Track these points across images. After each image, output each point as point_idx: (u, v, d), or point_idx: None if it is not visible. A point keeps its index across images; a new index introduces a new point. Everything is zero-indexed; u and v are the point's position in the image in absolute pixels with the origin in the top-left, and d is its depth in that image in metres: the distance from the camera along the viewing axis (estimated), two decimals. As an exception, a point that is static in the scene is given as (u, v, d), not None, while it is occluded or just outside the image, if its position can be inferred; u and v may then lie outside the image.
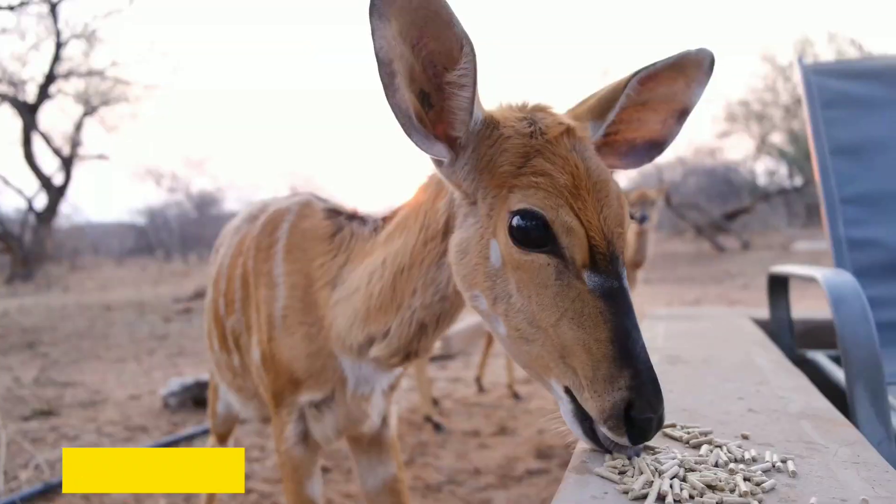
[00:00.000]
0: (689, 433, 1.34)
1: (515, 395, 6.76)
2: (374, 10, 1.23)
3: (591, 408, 1.19)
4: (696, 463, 1.18)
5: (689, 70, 1.53)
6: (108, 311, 14.75)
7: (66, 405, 7.02)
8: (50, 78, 21.51)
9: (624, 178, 29.45)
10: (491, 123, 1.41)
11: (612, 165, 1.60)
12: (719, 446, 1.26)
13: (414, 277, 1.68)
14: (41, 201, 23.83)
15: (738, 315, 3.63)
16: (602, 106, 1.54)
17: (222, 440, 3.38)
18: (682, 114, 1.60)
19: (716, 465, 1.18)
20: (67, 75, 22.25)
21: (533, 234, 1.26)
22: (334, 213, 2.08)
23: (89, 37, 21.70)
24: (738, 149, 38.34)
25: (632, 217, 1.44)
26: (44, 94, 21.76)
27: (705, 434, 1.34)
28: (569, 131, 1.37)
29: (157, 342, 10.92)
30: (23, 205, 24.20)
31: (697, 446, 1.28)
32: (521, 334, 1.31)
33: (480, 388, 7.11)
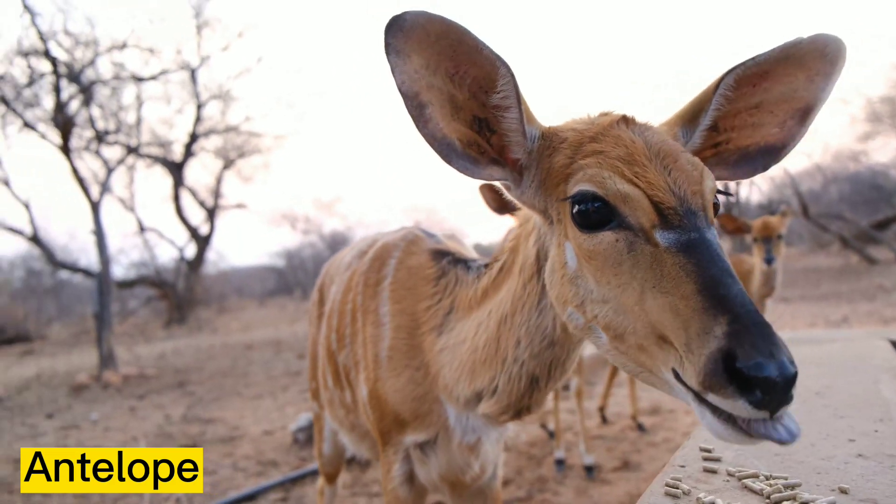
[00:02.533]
0: (771, 485, 1.20)
1: (640, 427, 6.45)
2: (390, 49, 1.24)
3: (690, 377, 0.99)
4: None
5: (810, 61, 1.35)
6: (248, 350, 15.66)
7: (207, 440, 7.49)
8: (193, 137, 23.48)
9: (753, 189, 27.77)
10: (549, 135, 1.39)
11: (719, 178, 1.46)
12: (804, 503, 1.11)
13: (516, 325, 1.62)
14: (190, 250, 25.93)
15: (876, 337, 3.26)
16: (693, 110, 1.44)
17: (331, 480, 3.44)
18: (806, 113, 1.42)
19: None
20: (207, 133, 24.19)
21: (593, 213, 1.21)
22: (439, 254, 2.08)
23: (224, 96, 23.53)
24: (885, 150, 35.01)
25: (726, 193, 1.30)
26: (188, 152, 23.76)
27: (791, 487, 1.19)
28: (625, 119, 1.33)
29: (291, 379, 11.43)
30: (175, 255, 26.40)
31: (779, 501, 1.14)
32: (614, 331, 1.20)
33: (604, 420, 6.85)
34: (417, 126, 1.31)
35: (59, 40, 15.66)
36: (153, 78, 18.79)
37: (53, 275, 27.97)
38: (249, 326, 23.04)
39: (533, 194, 1.41)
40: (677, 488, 1.19)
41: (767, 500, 1.16)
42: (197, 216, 26.02)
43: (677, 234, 1.12)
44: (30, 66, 15.53)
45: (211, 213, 25.88)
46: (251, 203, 36.83)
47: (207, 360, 14.56)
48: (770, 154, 1.46)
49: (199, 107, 23.04)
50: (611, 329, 1.21)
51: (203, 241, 25.81)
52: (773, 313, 13.23)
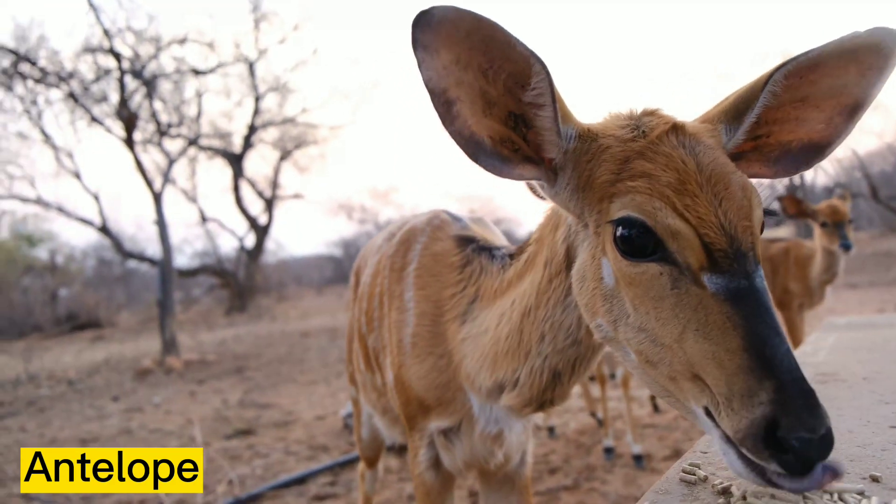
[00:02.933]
0: (795, 472, 1.11)
1: (693, 417, 6.26)
2: (418, 44, 1.20)
3: (727, 426, 1.02)
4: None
5: (864, 56, 1.27)
6: (304, 337, 15.97)
7: (262, 425, 7.67)
8: (251, 129, 24.02)
9: (819, 172, 26.65)
10: (587, 137, 1.31)
11: (757, 174, 1.40)
12: (829, 492, 1.04)
13: (539, 319, 1.57)
14: (250, 240, 26.61)
15: (942, 323, 3.06)
16: (738, 106, 1.34)
17: (371, 464, 3.45)
18: (854, 110, 1.33)
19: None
20: (265, 125, 24.70)
21: (637, 242, 1.15)
22: (465, 240, 2.03)
23: (282, 89, 23.97)
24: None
25: (771, 213, 1.23)
26: (247, 143, 24.33)
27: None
28: (676, 128, 1.23)
29: (344, 365, 11.60)
30: (236, 244, 27.14)
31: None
32: (646, 357, 1.18)
33: (655, 409, 6.70)
34: (444, 123, 1.26)
35: (122, 37, 16.21)
36: (211, 71, 19.27)
37: (123, 264, 29.17)
38: (307, 314, 23.50)
39: (568, 197, 1.34)
40: (693, 474, 1.13)
41: None
42: (256, 206, 26.65)
43: (726, 279, 1.08)
44: (96, 63, 16.14)
45: (269, 204, 26.47)
46: (308, 193, 37.56)
47: (265, 347, 14.92)
48: (813, 151, 1.38)
49: (258, 99, 23.55)
50: (643, 355, 1.19)
51: (262, 231, 26.43)
52: (839, 299, 12.70)
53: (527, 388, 1.65)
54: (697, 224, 1.11)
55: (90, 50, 15.99)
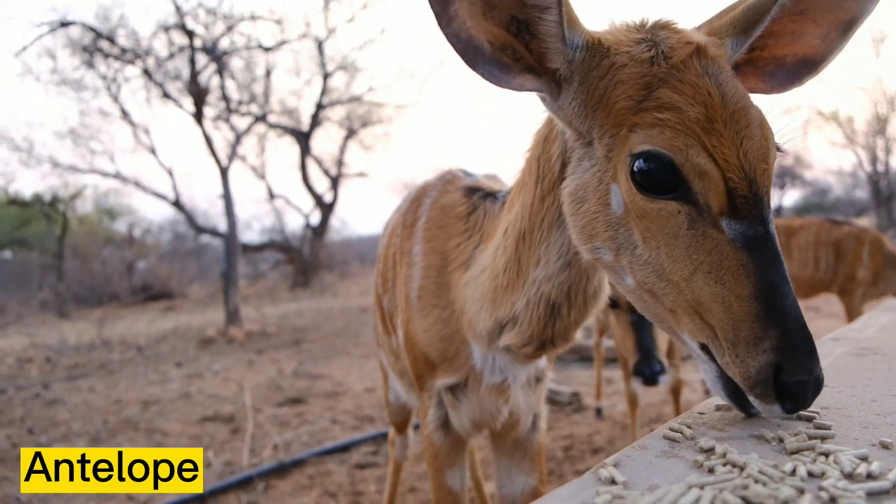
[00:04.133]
0: (794, 434, 1.01)
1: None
2: None
3: (735, 373, 1.06)
4: (762, 473, 0.86)
5: None
6: (362, 313, 16.18)
7: (313, 394, 7.81)
8: (319, 107, 24.34)
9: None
10: (597, 50, 1.24)
11: (753, 89, 1.37)
12: (825, 454, 0.92)
13: (536, 242, 1.50)
14: (315, 217, 27.08)
15: None
16: (749, 18, 1.29)
17: (400, 430, 3.43)
18: (850, 25, 1.33)
19: (793, 474, 0.86)
20: (333, 104, 24.98)
21: (659, 178, 1.11)
22: (472, 190, 1.98)
23: (350, 67, 24.16)
24: None
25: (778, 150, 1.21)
26: (315, 122, 24.68)
27: (821, 439, 0.99)
28: (699, 51, 1.18)
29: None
30: (302, 221, 27.70)
31: (796, 451, 0.95)
32: (648, 287, 1.18)
33: (706, 392, 6.47)
34: (440, 24, 1.19)
35: (195, 14, 16.64)
36: (278, 47, 19.55)
37: (195, 238, 30.18)
38: (368, 291, 23.80)
39: (574, 113, 1.26)
40: (680, 433, 1.04)
41: (783, 449, 0.98)
42: (322, 184, 27.05)
43: (744, 226, 1.08)
44: (170, 40, 16.64)
45: (335, 182, 26.83)
46: (373, 172, 37.87)
47: (324, 321, 15.20)
48: (807, 67, 1.37)
49: (326, 77, 23.81)
50: (645, 285, 1.18)
51: (327, 209, 26.85)
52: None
53: (526, 322, 1.59)
54: (724, 166, 1.08)
55: (164, 28, 16.50)
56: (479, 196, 1.93)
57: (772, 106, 1.25)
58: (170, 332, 15.06)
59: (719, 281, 1.07)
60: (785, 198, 36.10)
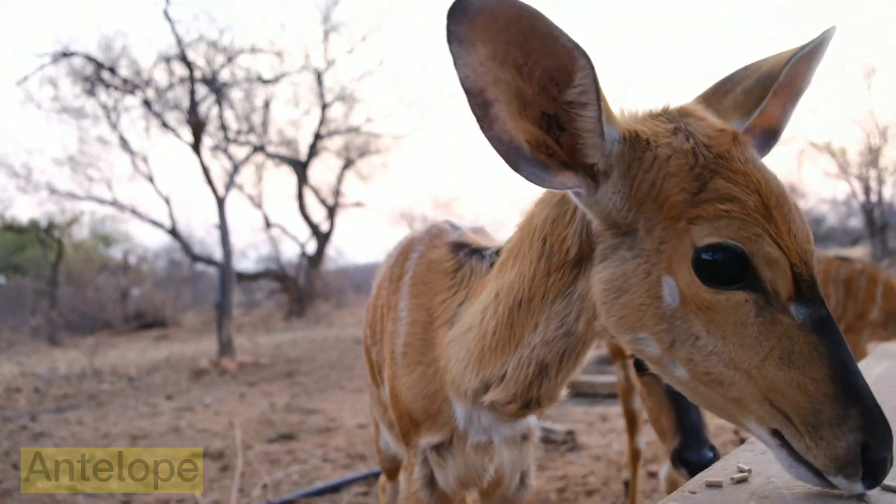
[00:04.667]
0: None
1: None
2: (453, 37, 1.13)
3: (819, 455, 1.07)
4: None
5: (815, 50, 1.41)
6: (357, 343, 16.06)
7: (305, 430, 7.71)
8: (317, 137, 24.49)
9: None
10: (637, 142, 1.23)
11: None
12: None
13: (535, 311, 1.50)
14: (312, 247, 27.09)
15: None
16: (752, 101, 1.38)
17: (391, 476, 3.38)
18: (798, 96, 1.47)
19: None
20: (331, 134, 25.14)
21: (725, 269, 1.13)
22: (459, 246, 1.98)
23: (348, 98, 24.37)
24: None
25: None
26: (313, 152, 24.81)
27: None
28: (736, 139, 1.22)
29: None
30: (297, 250, 27.68)
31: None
32: (713, 377, 1.17)
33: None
34: (482, 127, 1.19)
35: (195, 46, 16.83)
36: (277, 80, 19.75)
37: (191, 266, 30.12)
38: (363, 321, 23.70)
39: (616, 206, 1.25)
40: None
41: None
42: (318, 213, 27.10)
43: (810, 309, 1.11)
44: (170, 71, 16.79)
45: (331, 211, 26.89)
46: (370, 202, 37.94)
47: (319, 352, 15.10)
48: (772, 135, 1.48)
49: (324, 108, 24.00)
50: (709, 375, 1.17)
51: (323, 238, 26.87)
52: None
53: (513, 381, 1.57)
54: (788, 253, 1.11)
55: (165, 59, 16.66)
56: (466, 253, 1.92)
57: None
58: (162, 362, 14.94)
59: (792, 365, 1.09)
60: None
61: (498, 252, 1.74)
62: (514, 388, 1.58)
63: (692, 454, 2.62)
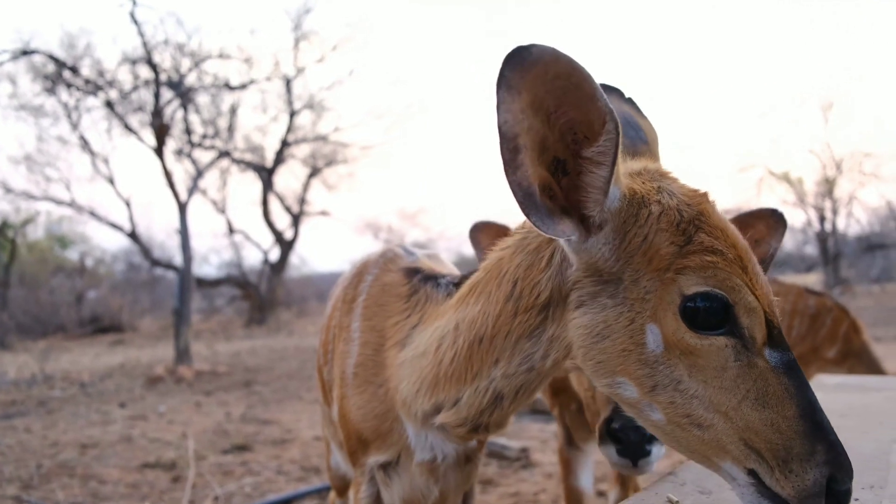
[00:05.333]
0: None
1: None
2: (504, 83, 1.15)
3: (787, 488, 1.15)
4: None
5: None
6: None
7: (260, 441, 7.65)
8: (284, 144, 24.35)
9: (852, 221, 26.28)
10: (635, 201, 1.29)
11: None
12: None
13: (497, 348, 1.53)
14: (275, 254, 26.87)
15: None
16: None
17: (340, 493, 3.39)
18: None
19: None
20: (298, 142, 25.03)
21: (707, 316, 1.22)
22: (413, 271, 2.02)
23: (316, 107, 24.30)
24: None
25: None
26: (279, 159, 24.67)
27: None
28: (707, 198, 1.34)
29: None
30: (260, 257, 27.43)
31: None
32: (692, 420, 1.23)
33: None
34: (507, 171, 1.21)
35: (161, 49, 16.63)
36: (244, 87, 19.62)
37: (150, 270, 29.59)
38: (318, 341, 23.53)
39: (601, 257, 1.30)
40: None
41: None
42: (283, 221, 26.92)
43: (781, 354, 1.21)
44: (134, 73, 16.56)
45: (296, 219, 26.75)
46: (336, 211, 37.88)
47: (278, 361, 14.97)
48: None
49: (292, 116, 23.89)
50: (689, 418, 1.24)
51: (287, 246, 26.69)
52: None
53: (465, 407, 1.62)
54: (763, 302, 1.22)
55: (130, 61, 16.43)
56: (420, 279, 1.96)
57: (730, 164, 1.40)
58: (116, 368, 14.64)
59: (766, 405, 1.18)
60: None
61: (457, 283, 1.79)
62: (467, 413, 1.62)
63: (620, 427, 2.14)
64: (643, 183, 1.33)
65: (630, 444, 2.01)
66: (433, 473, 1.94)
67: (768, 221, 1.77)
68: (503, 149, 1.20)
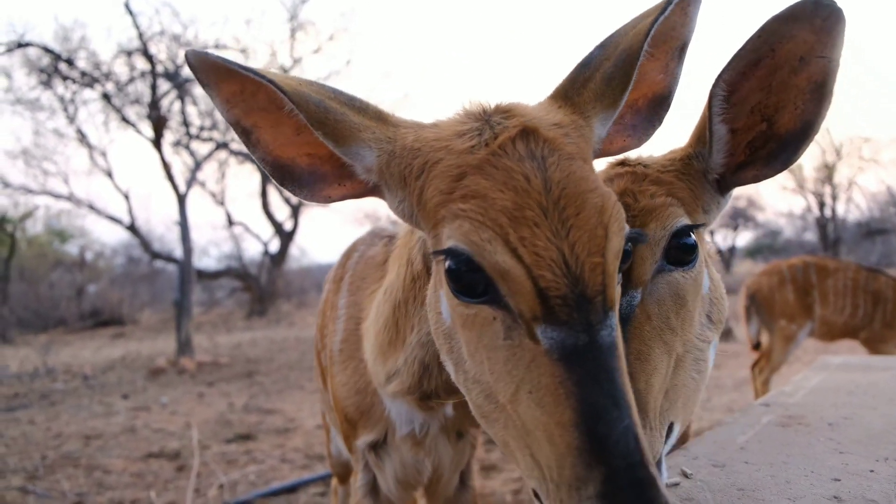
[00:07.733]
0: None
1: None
2: (202, 84, 1.15)
3: None
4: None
5: None
6: (319, 344, 15.98)
7: (263, 431, 7.67)
8: (282, 136, 24.22)
9: (851, 207, 26.32)
10: (403, 153, 1.13)
11: (623, 147, 1.32)
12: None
13: (410, 313, 1.49)
14: (274, 245, 26.82)
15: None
16: (613, 88, 1.16)
17: (342, 480, 3.40)
18: (682, 50, 1.27)
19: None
20: (296, 133, 24.89)
21: (467, 279, 0.99)
22: (393, 238, 1.91)
23: (313, 97, 24.12)
24: None
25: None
26: (277, 150, 24.53)
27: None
28: (525, 132, 1.05)
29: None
30: (260, 249, 27.39)
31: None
32: (481, 412, 1.03)
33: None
34: (249, 151, 1.20)
35: (158, 40, 16.53)
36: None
37: (150, 263, 29.54)
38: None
39: (407, 217, 1.19)
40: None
41: None
42: (282, 212, 26.84)
43: (562, 333, 0.90)
44: (131, 65, 16.46)
45: (295, 210, 26.67)
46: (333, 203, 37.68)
47: (278, 352, 14.98)
48: (659, 104, 1.32)
49: (289, 106, 23.73)
50: (479, 409, 1.04)
51: (287, 237, 26.63)
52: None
53: (406, 375, 1.55)
54: (532, 263, 0.92)
55: (126, 52, 16.33)
56: (392, 242, 1.86)
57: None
58: (118, 361, 14.65)
59: (540, 403, 0.89)
60: (738, 239, 37.19)
61: None
62: (409, 381, 1.55)
63: None
64: (454, 125, 1.14)
65: None
66: (419, 447, 1.88)
67: (813, 23, 1.15)
68: (236, 133, 1.20)
